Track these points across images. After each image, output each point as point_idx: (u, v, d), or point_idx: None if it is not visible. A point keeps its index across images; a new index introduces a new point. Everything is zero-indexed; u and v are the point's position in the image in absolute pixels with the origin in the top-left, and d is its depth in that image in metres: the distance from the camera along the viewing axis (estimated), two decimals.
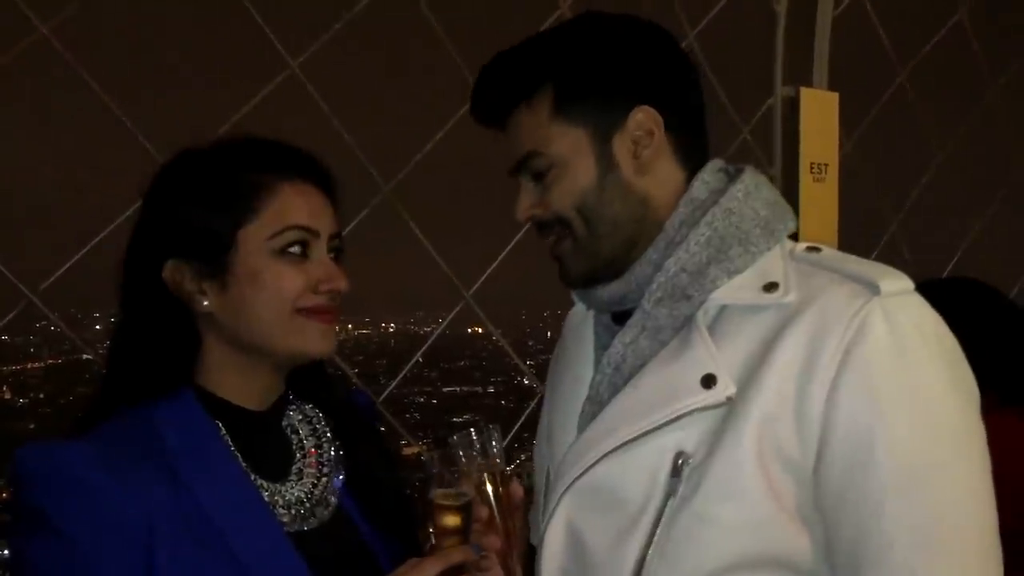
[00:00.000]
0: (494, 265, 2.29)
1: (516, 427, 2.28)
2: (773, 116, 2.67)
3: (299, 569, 1.05)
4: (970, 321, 1.23)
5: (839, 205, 2.71)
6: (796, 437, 0.95)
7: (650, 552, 1.00)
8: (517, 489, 1.11)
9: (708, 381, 0.99)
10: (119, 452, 1.01)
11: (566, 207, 1.08)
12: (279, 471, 1.13)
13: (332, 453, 1.20)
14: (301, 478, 1.15)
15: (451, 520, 1.06)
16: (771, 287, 1.02)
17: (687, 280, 1.05)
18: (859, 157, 3.00)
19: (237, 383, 1.12)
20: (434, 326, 2.52)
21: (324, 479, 1.17)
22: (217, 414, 1.10)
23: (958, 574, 0.92)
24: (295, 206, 1.09)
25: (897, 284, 0.97)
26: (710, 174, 1.11)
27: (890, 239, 3.22)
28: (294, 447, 1.17)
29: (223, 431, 1.09)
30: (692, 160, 1.11)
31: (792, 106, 2.64)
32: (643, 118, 1.07)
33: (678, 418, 1.00)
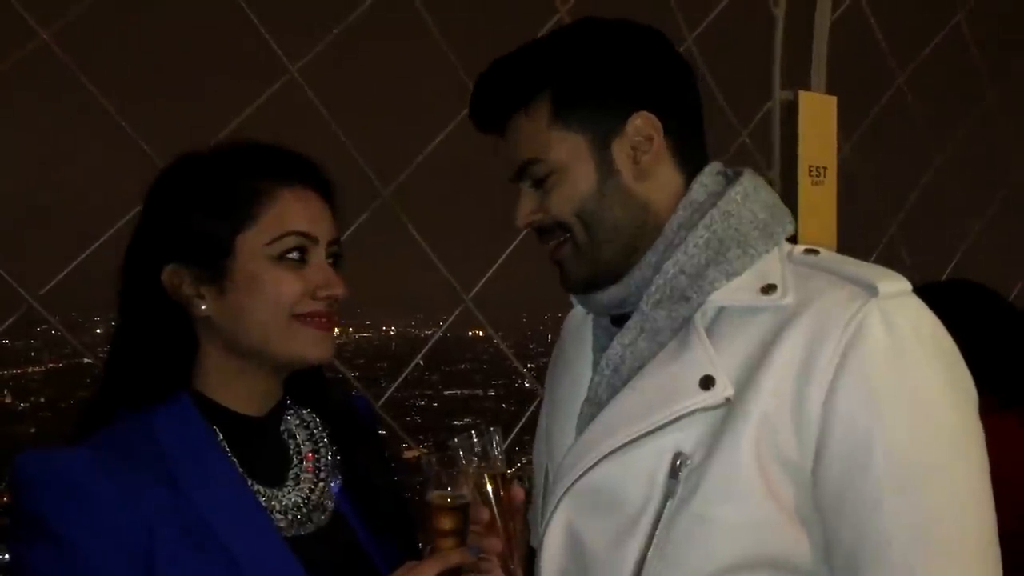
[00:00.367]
0: (494, 268, 2.30)
1: (516, 430, 2.29)
2: (772, 119, 2.68)
3: (297, 573, 1.05)
4: (969, 324, 1.24)
5: (838, 208, 2.71)
6: (794, 438, 0.95)
7: (650, 553, 1.00)
8: (518, 492, 1.11)
9: (706, 382, 0.99)
10: (118, 458, 1.01)
11: (566, 213, 1.09)
12: (276, 476, 1.14)
13: (329, 458, 1.20)
14: (298, 483, 1.15)
15: (448, 522, 1.06)
16: (769, 289, 1.02)
17: (685, 282, 1.06)
18: (858, 160, 3.00)
19: (234, 388, 1.12)
20: (435, 329, 2.52)
21: (321, 484, 1.17)
22: (214, 419, 1.10)
23: (957, 574, 0.92)
24: (294, 212, 1.10)
25: (895, 286, 0.98)
26: (708, 177, 1.11)
27: (889, 241, 3.22)
28: (291, 452, 1.17)
29: (220, 436, 1.10)
30: (691, 164, 1.11)
31: (791, 109, 2.65)
32: (642, 124, 1.07)
33: (677, 419, 1.00)
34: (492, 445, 1.10)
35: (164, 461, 1.03)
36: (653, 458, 1.01)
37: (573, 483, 1.07)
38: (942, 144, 3.36)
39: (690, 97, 1.13)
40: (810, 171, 2.64)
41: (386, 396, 2.16)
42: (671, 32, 1.14)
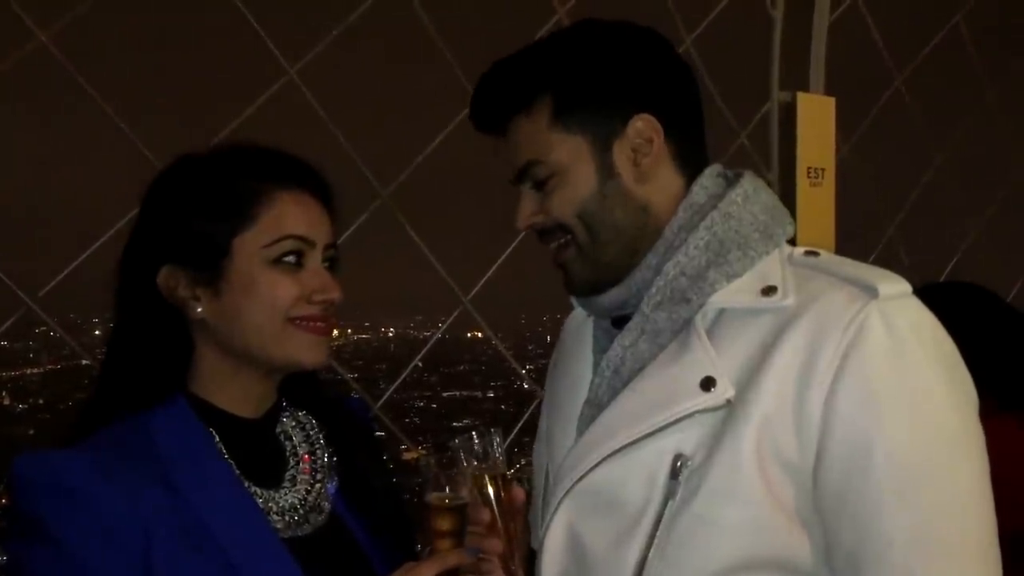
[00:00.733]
0: (493, 269, 2.30)
1: (516, 431, 2.28)
2: (770, 121, 2.68)
3: (294, 574, 1.05)
4: (968, 326, 1.24)
5: (836, 209, 2.71)
6: (795, 439, 0.95)
7: (650, 554, 1.00)
8: (519, 492, 1.11)
9: (707, 384, 0.99)
10: (115, 460, 1.01)
11: (567, 214, 1.09)
12: (273, 478, 1.14)
13: (326, 459, 1.20)
14: (295, 484, 1.15)
15: (446, 523, 1.06)
16: (770, 291, 1.02)
17: (686, 283, 1.06)
18: (856, 161, 3.00)
19: (230, 391, 1.12)
20: (433, 330, 2.52)
21: (318, 485, 1.17)
22: (210, 421, 1.10)
23: (957, 575, 0.92)
24: (292, 215, 1.10)
25: (895, 287, 0.98)
26: (709, 179, 1.11)
27: (887, 243, 3.22)
28: (288, 454, 1.17)
29: (217, 438, 1.10)
30: (691, 166, 1.11)
31: (789, 111, 2.65)
32: (643, 126, 1.07)
33: (677, 421, 1.00)
34: (493, 446, 1.10)
35: (161, 463, 1.03)
36: (654, 459, 1.01)
37: (574, 484, 1.07)
38: (941, 145, 3.36)
39: (691, 99, 1.13)
40: (808, 172, 2.64)
41: (385, 397, 2.16)
42: (670, 33, 1.14)
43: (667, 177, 1.10)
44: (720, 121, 2.63)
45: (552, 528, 1.10)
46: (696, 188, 1.10)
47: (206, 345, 1.11)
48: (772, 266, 1.06)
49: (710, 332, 1.04)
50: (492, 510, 1.08)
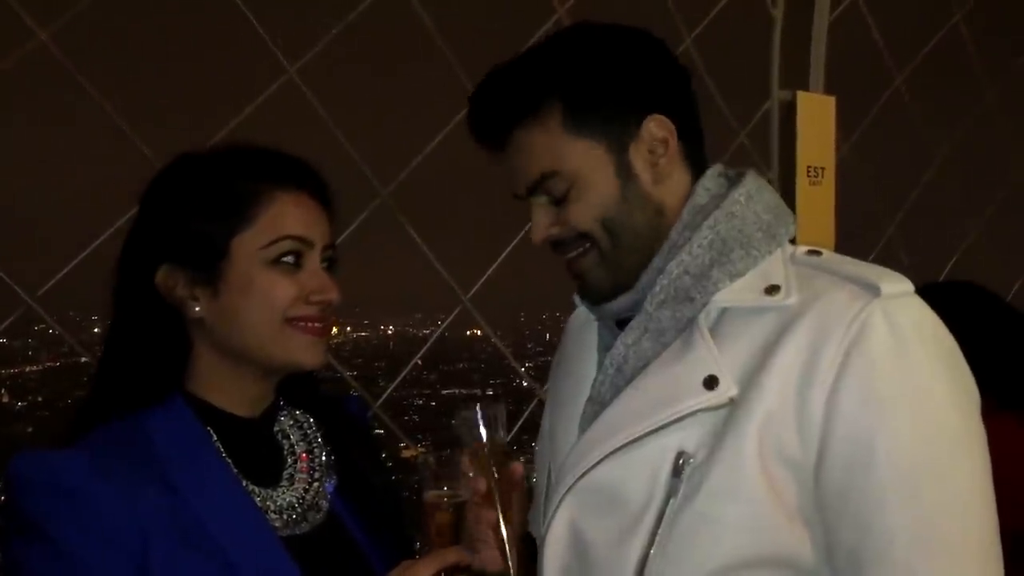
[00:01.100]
0: (492, 268, 2.30)
1: (515, 429, 2.28)
2: (770, 120, 2.68)
3: (292, 573, 1.05)
4: (969, 325, 1.23)
5: (836, 208, 2.71)
6: (797, 438, 0.95)
7: (652, 551, 1.00)
8: (517, 466, 1.11)
9: (710, 382, 0.99)
10: (113, 460, 1.01)
11: (588, 222, 1.07)
12: (270, 476, 1.14)
13: (323, 458, 1.20)
14: (292, 483, 1.15)
15: (444, 521, 1.06)
16: (772, 290, 1.02)
17: (690, 282, 1.05)
18: (856, 160, 3.00)
19: (227, 390, 1.12)
20: (433, 329, 2.52)
21: (316, 484, 1.17)
22: (208, 421, 1.10)
23: (958, 573, 0.92)
24: (291, 216, 1.10)
25: (897, 286, 0.98)
26: (711, 180, 1.11)
27: (887, 242, 3.23)
28: (285, 452, 1.17)
29: (215, 438, 1.10)
30: (697, 166, 1.11)
31: (789, 110, 2.65)
32: (656, 127, 1.07)
33: (680, 419, 1.00)
34: (496, 418, 1.10)
35: (159, 462, 1.03)
36: (656, 457, 1.01)
37: (576, 481, 1.07)
38: (941, 144, 3.36)
39: (693, 99, 1.13)
40: (808, 171, 2.64)
41: (384, 395, 2.16)
42: (670, 33, 1.14)
43: (679, 177, 1.10)
44: (720, 120, 2.64)
45: (554, 525, 1.10)
46: (699, 189, 1.09)
47: (204, 345, 1.11)
48: (775, 265, 1.06)
49: (713, 331, 1.03)
50: (489, 480, 1.08)
